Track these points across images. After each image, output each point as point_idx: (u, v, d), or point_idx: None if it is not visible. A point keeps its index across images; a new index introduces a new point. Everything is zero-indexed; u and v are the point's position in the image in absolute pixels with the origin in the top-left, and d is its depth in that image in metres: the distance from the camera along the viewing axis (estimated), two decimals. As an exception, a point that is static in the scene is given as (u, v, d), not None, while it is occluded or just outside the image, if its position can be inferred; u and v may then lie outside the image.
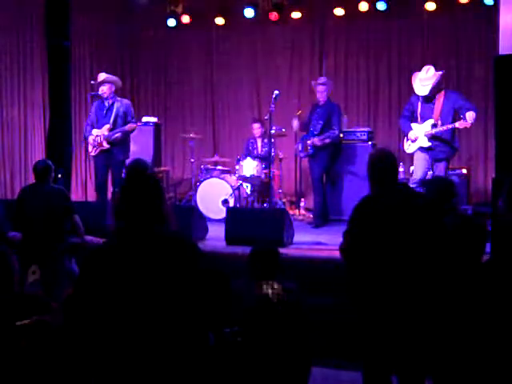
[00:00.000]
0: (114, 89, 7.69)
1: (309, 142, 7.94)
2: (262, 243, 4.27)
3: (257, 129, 9.23)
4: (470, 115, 6.47)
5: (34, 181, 5.76)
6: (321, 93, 7.98)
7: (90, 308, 2.31)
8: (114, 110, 7.53)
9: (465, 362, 2.62)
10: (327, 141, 7.83)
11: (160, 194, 2.48)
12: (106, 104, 7.60)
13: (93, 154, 7.57)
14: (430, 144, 6.70)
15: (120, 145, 7.52)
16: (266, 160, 8.49)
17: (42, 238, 5.39)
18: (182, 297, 2.29)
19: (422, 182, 6.51)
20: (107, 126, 7.48)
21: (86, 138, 7.62)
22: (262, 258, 3.90)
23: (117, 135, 7.45)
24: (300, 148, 8.15)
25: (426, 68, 6.80)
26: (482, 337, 2.59)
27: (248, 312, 3.67)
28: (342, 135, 8.30)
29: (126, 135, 7.59)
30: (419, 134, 6.75)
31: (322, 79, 8.21)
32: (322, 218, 8.01)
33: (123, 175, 8.15)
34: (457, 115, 6.71)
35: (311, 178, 8.18)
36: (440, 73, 6.73)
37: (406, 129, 6.97)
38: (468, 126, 6.56)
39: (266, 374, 3.61)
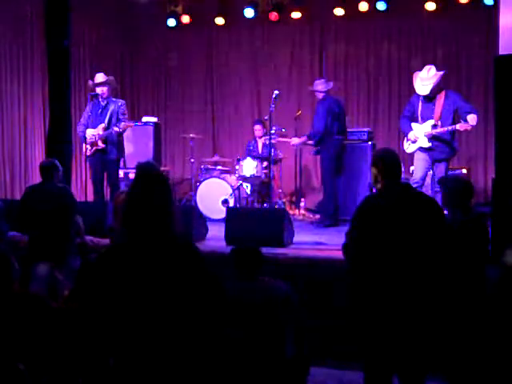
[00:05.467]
0: (110, 89, 7.70)
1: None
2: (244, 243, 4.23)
3: (258, 130, 9.22)
4: (472, 118, 6.48)
5: (34, 181, 5.75)
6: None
7: (95, 308, 2.32)
8: (110, 110, 7.54)
9: (472, 360, 2.62)
10: (304, 139, 7.91)
11: (171, 196, 2.47)
12: (102, 104, 7.61)
13: (88, 153, 7.56)
14: (430, 144, 6.69)
15: (114, 144, 7.52)
16: (266, 160, 8.49)
17: (48, 238, 5.38)
18: (186, 299, 2.30)
19: (440, 180, 6.48)
20: (102, 125, 7.48)
21: (84, 138, 7.56)
22: (244, 257, 3.89)
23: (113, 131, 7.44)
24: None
25: (427, 68, 6.79)
26: (486, 336, 2.60)
27: (247, 311, 3.68)
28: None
29: (120, 134, 7.58)
30: (419, 135, 6.75)
31: (319, 85, 7.99)
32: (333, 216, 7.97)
33: (119, 175, 8.16)
34: (457, 116, 6.71)
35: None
36: (441, 73, 6.72)
37: (406, 129, 6.96)
38: (469, 128, 6.56)
39: (263, 373, 3.61)
